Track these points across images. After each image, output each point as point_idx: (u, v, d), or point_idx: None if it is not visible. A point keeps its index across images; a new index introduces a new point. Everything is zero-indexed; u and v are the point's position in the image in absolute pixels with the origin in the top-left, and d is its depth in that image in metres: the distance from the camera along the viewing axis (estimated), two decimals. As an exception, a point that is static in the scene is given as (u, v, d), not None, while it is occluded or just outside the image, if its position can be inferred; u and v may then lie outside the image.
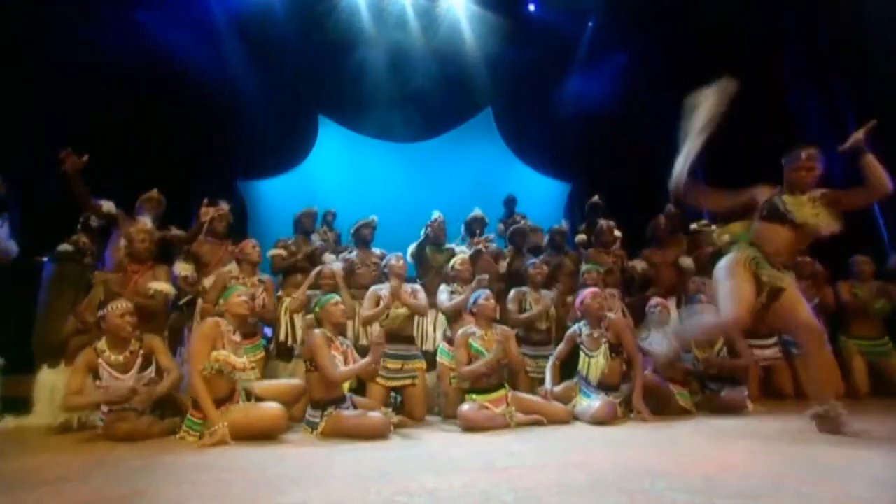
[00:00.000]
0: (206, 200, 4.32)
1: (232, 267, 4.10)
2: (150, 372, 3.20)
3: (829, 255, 4.90)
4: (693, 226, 5.25)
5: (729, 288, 2.78)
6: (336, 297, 3.50)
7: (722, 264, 2.92)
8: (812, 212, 2.75)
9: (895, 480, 1.61)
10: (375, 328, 4.05)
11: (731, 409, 3.51)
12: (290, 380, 3.54)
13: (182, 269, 4.06)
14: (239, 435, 2.78)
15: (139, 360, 3.16)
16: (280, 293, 4.49)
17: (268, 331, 4.47)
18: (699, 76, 7.30)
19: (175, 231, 4.51)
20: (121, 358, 3.11)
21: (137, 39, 6.11)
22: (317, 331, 3.23)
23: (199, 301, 4.03)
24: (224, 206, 4.56)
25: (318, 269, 4.29)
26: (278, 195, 7.42)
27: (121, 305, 3.17)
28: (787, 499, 1.44)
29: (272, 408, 2.92)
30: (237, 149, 6.83)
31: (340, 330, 3.44)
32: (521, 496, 1.58)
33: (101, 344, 3.15)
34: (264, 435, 2.84)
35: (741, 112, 6.37)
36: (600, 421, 3.24)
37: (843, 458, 1.97)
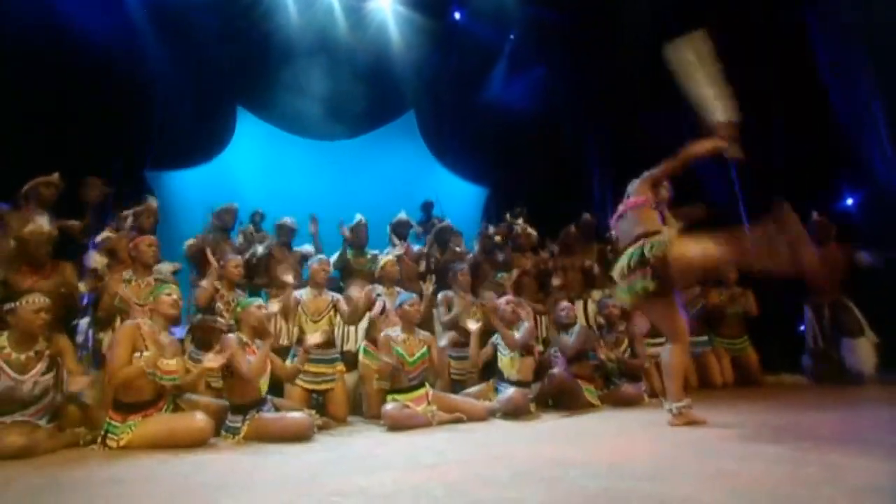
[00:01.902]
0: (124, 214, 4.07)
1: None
2: (52, 375, 2.94)
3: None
4: None
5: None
6: (259, 301, 3.43)
7: None
8: None
9: (759, 453, 1.92)
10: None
11: (630, 403, 3.89)
12: (214, 399, 3.38)
13: (96, 261, 3.71)
14: (159, 445, 2.68)
15: (43, 362, 2.88)
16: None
17: (178, 332, 4.25)
18: (612, 93, 7.87)
19: (70, 222, 4.12)
20: (22, 357, 2.81)
21: (36, 8, 5.47)
22: (231, 335, 3.15)
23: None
24: (153, 202, 4.27)
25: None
26: (191, 189, 6.98)
27: (36, 300, 2.89)
28: (677, 477, 1.68)
29: (198, 419, 2.81)
30: (146, 136, 6.31)
31: (258, 334, 3.35)
32: (450, 490, 1.68)
33: (2, 339, 2.84)
34: (186, 446, 2.71)
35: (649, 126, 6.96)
36: (514, 406, 3.46)
37: (719, 437, 2.30)
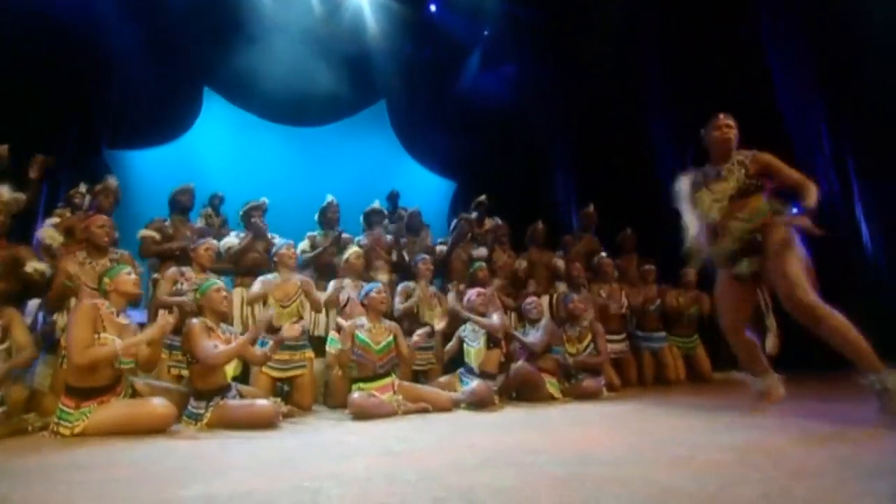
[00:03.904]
0: None
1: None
2: (7, 346, 2.83)
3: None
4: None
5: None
6: (218, 283, 3.36)
7: None
8: (709, 204, 2.82)
9: (711, 441, 2.05)
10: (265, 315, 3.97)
11: (591, 396, 4.04)
12: (174, 385, 3.32)
13: (50, 236, 3.53)
14: (117, 432, 2.61)
15: None
16: (155, 275, 4.16)
17: (136, 315, 4.12)
18: (580, 93, 8.04)
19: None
20: None
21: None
22: (195, 320, 3.09)
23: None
24: (113, 180, 4.08)
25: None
26: (152, 170, 6.74)
27: None
28: (638, 463, 1.78)
29: (159, 404, 2.74)
30: (105, 112, 6.02)
31: (222, 318, 3.31)
32: (423, 476, 1.72)
33: None
34: (147, 433, 2.65)
35: (609, 133, 7.21)
36: (478, 398, 3.54)
37: (673, 428, 2.44)
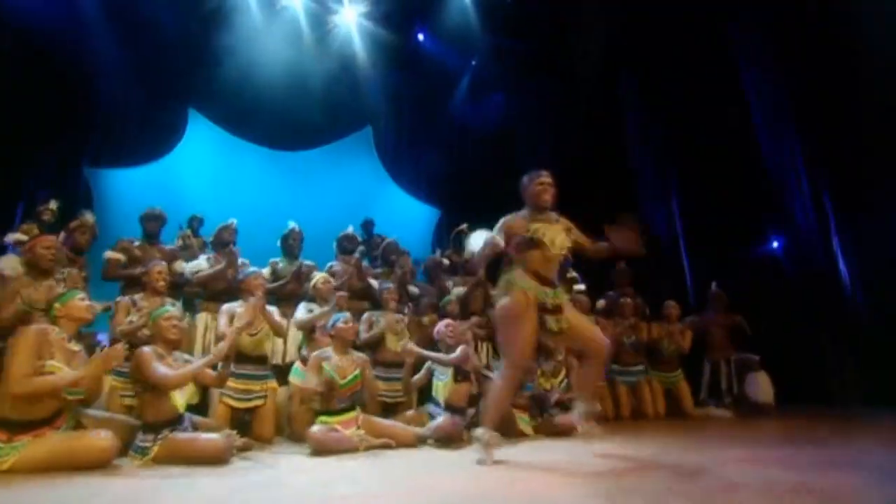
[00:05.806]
0: None
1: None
2: None
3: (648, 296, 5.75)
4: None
5: (509, 333, 2.80)
6: (169, 311, 3.22)
7: (498, 309, 2.87)
8: (557, 235, 2.87)
9: (674, 489, 1.95)
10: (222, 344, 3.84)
11: (564, 432, 3.90)
12: (123, 416, 3.17)
13: (11, 266, 3.34)
14: (53, 468, 2.44)
15: None
16: (118, 298, 4.02)
17: (103, 338, 3.99)
18: (563, 124, 8.10)
19: None
20: None
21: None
22: (145, 348, 2.95)
23: None
24: (89, 216, 3.96)
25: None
26: (134, 190, 6.64)
27: None
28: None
29: (99, 437, 2.58)
30: (86, 129, 5.95)
31: (174, 346, 3.14)
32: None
33: None
34: (85, 469, 2.48)
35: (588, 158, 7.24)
36: (445, 434, 3.41)
37: (639, 471, 2.33)
